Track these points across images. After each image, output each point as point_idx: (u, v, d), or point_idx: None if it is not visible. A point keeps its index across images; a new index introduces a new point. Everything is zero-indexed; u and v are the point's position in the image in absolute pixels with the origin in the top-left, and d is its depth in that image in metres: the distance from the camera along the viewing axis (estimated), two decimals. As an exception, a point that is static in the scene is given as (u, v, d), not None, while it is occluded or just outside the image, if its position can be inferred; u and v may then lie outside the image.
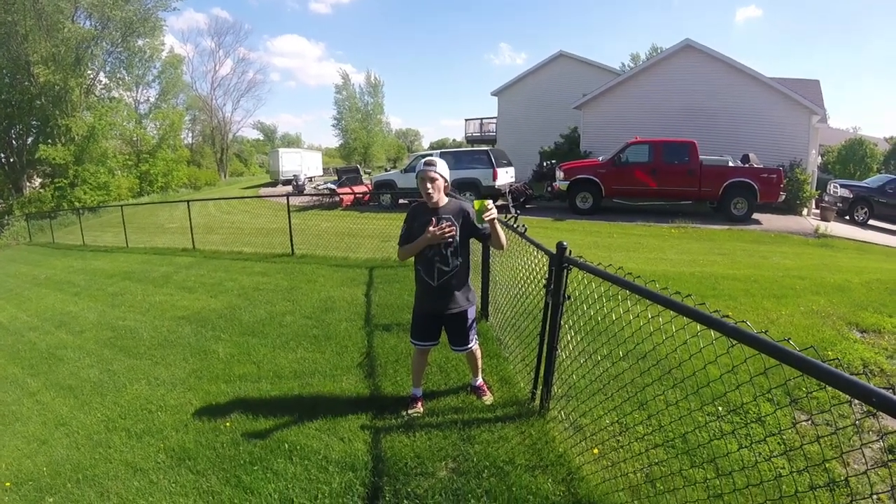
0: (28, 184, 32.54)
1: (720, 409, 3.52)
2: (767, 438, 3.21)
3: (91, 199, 28.01)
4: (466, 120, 35.73)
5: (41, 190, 30.54)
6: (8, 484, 3.64)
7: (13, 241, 22.77)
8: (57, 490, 3.44)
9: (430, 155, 18.38)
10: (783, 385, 2.30)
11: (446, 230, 3.32)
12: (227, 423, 3.88)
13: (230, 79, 58.12)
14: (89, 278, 11.29)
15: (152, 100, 41.41)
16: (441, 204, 3.45)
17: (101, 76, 35.31)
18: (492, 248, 5.27)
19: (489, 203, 3.21)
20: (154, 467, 3.48)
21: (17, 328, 8.12)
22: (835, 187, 17.33)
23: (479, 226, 3.38)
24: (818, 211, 16.95)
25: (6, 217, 26.55)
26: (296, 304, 7.11)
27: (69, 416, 4.59)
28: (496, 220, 3.31)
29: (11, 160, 32.47)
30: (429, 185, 3.36)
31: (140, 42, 35.37)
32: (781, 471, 2.81)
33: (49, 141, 29.68)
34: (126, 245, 15.31)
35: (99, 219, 24.23)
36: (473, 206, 3.29)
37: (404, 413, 3.73)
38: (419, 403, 3.80)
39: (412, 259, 3.61)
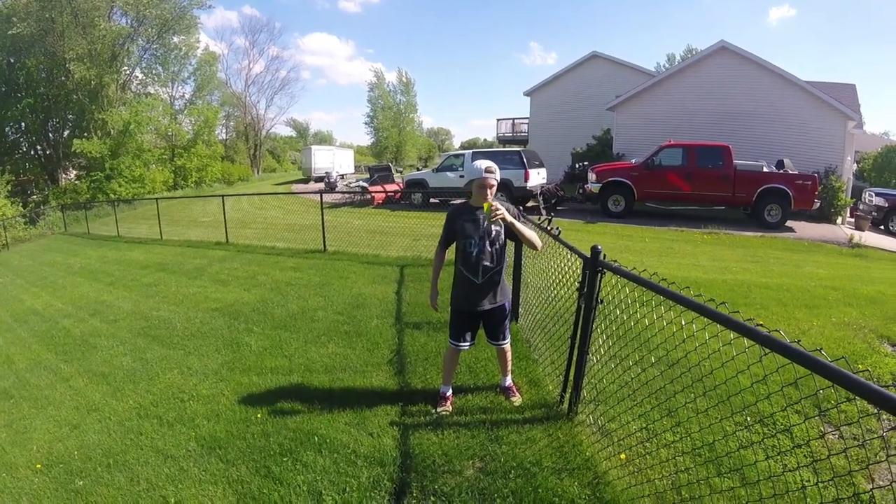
0: (64, 175, 33.43)
1: (748, 418, 3.49)
2: (794, 449, 3.19)
3: (126, 192, 28.56)
4: (498, 120, 35.85)
5: (77, 181, 31.27)
6: (39, 466, 3.76)
7: (49, 231, 23.24)
8: (87, 474, 3.53)
9: (462, 155, 18.46)
10: (813, 396, 2.27)
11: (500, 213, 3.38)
12: (258, 415, 3.97)
13: (263, 76, 58.81)
14: (124, 269, 11.54)
15: (187, 96, 42.16)
16: None
17: (137, 72, 36.24)
18: (524, 249, 5.32)
19: (495, 203, 3.34)
20: (184, 455, 3.57)
21: (51, 315, 8.35)
22: (870, 195, 16.86)
23: (493, 227, 3.51)
24: (853, 219, 16.51)
25: (42, 206, 27.17)
26: (327, 299, 7.19)
27: (101, 402, 4.72)
28: (515, 222, 3.42)
29: (48, 152, 33.52)
30: (487, 193, 3.48)
31: (175, 39, 36.21)
32: (807, 482, 2.78)
33: (85, 134, 30.45)
34: (160, 237, 15.58)
35: (133, 211, 24.73)
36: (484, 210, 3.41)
37: (433, 411, 3.78)
38: (448, 402, 3.84)
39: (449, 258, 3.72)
